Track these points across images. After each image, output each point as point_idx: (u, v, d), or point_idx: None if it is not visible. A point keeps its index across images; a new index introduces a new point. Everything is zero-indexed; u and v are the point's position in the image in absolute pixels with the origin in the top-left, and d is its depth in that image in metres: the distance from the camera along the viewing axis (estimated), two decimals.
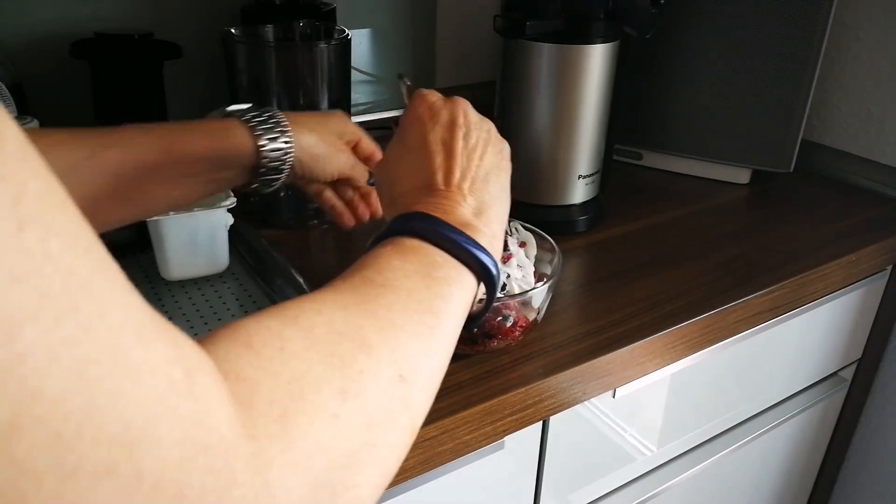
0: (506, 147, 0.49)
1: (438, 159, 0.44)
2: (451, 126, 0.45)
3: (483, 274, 0.41)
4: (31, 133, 0.46)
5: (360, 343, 0.32)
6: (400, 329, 0.34)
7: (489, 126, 0.48)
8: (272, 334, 0.30)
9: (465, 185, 0.44)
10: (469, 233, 0.41)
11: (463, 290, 0.39)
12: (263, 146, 0.54)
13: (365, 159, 0.63)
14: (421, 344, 0.35)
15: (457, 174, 0.44)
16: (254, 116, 0.55)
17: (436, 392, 0.36)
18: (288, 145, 0.55)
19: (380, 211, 0.63)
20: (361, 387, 0.30)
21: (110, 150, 0.49)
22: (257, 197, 0.76)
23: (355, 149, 0.63)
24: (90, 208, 0.47)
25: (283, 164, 0.56)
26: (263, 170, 0.55)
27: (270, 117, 0.55)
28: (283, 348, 0.29)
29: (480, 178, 0.45)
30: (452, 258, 0.40)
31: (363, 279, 0.36)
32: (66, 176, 0.46)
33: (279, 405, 0.26)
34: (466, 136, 0.46)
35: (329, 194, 0.64)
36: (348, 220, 0.65)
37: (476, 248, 0.40)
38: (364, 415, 0.30)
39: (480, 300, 0.43)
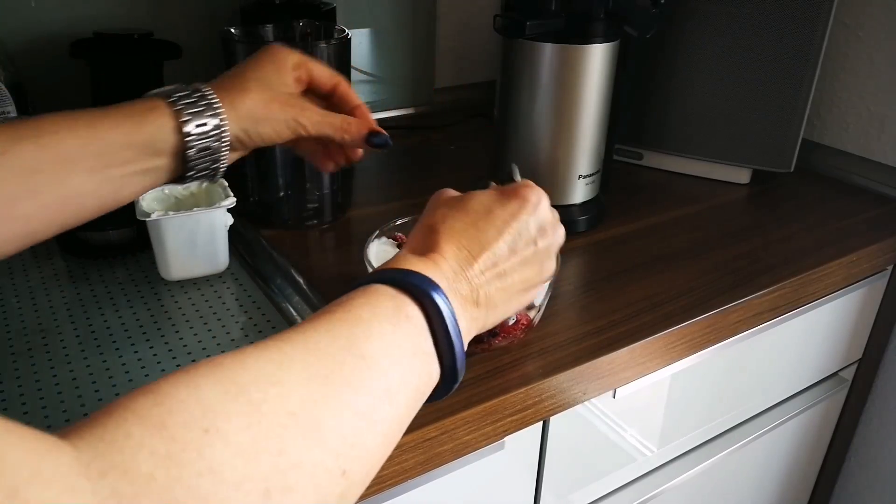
0: (550, 268, 0.49)
1: (491, 233, 0.44)
2: (519, 211, 0.45)
3: (449, 375, 0.38)
4: None
5: (309, 427, 0.28)
6: (362, 416, 0.31)
7: (557, 241, 0.49)
8: (202, 411, 0.25)
9: (493, 285, 0.43)
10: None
11: (428, 384, 0.37)
12: (188, 130, 0.46)
13: (332, 98, 0.55)
14: (377, 437, 0.32)
15: (490, 261, 0.43)
16: (180, 97, 0.47)
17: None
18: (219, 129, 0.47)
19: (359, 154, 0.57)
20: (292, 483, 0.26)
21: (22, 144, 0.41)
22: (256, 196, 0.76)
23: (310, 87, 0.54)
24: (7, 214, 0.41)
25: (220, 147, 0.48)
26: (192, 152, 0.47)
27: (199, 96, 0.47)
28: (209, 429, 0.25)
29: (508, 279, 0.44)
30: (436, 352, 0.38)
31: (348, 341, 0.33)
32: None
33: None
34: (536, 236, 0.46)
35: (308, 145, 0.58)
36: (324, 166, 0.59)
37: (461, 349, 0.38)
38: None
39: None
